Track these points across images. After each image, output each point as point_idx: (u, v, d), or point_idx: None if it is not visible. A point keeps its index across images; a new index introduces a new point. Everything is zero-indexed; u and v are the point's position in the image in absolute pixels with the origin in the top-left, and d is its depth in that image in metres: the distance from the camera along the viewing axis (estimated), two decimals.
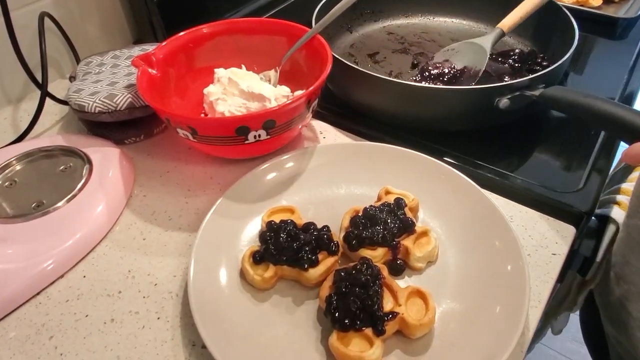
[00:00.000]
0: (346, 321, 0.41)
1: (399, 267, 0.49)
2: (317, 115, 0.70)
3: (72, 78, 0.71)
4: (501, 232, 0.49)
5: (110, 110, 0.62)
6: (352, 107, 0.69)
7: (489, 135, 0.65)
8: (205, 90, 0.64)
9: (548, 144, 0.66)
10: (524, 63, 0.75)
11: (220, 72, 0.64)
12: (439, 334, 0.44)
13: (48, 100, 0.71)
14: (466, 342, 0.42)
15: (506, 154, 0.63)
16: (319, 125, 0.69)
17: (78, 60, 0.79)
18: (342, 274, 0.45)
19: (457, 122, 0.64)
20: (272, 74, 0.68)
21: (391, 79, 0.61)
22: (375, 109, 0.67)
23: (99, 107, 0.61)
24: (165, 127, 0.69)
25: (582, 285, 0.68)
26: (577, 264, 0.62)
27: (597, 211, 0.59)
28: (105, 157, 0.62)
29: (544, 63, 0.74)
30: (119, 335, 0.46)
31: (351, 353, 0.40)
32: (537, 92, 0.57)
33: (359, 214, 0.51)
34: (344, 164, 0.59)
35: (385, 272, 0.46)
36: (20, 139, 0.67)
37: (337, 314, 0.42)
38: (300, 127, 0.61)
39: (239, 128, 0.53)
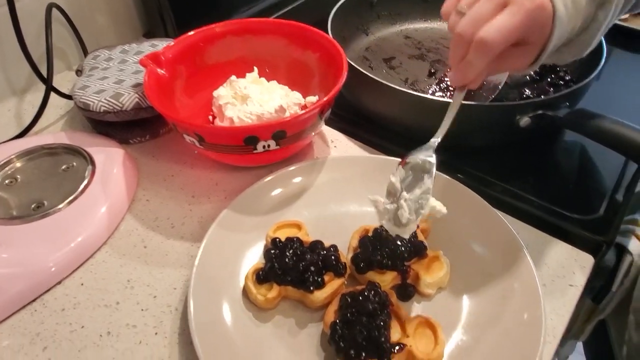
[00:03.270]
0: (351, 352, 0.40)
1: (408, 292, 0.47)
2: (329, 122, 0.67)
3: (78, 72, 0.69)
4: (517, 263, 0.47)
5: (115, 110, 0.60)
6: (365, 115, 0.67)
7: (504, 152, 0.62)
8: (215, 93, 0.62)
9: (567, 164, 0.63)
10: (545, 76, 0.73)
11: (239, 82, 0.62)
12: None
13: (53, 94, 0.70)
14: None
15: (522, 172, 0.61)
16: (330, 133, 0.67)
17: (85, 52, 0.77)
18: (349, 299, 0.43)
19: (474, 138, 0.61)
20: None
21: (407, 90, 0.59)
22: (389, 118, 0.64)
23: (104, 106, 0.59)
24: (172, 128, 0.66)
25: (591, 313, 0.66)
26: (591, 290, 0.60)
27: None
28: (109, 157, 0.60)
29: (567, 77, 0.71)
30: (115, 350, 0.45)
31: None
32: (560, 113, 0.55)
33: (369, 234, 0.49)
34: (356, 179, 0.57)
35: (393, 298, 0.44)
36: (23, 134, 0.65)
37: (342, 344, 0.40)
38: (311, 136, 0.58)
39: (248, 138, 0.51)
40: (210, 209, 0.57)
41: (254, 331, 0.44)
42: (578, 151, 0.65)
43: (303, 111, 0.52)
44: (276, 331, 0.45)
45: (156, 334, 0.46)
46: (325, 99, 0.53)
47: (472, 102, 0.57)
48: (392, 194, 0.46)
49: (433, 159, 0.45)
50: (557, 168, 0.62)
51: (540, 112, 0.56)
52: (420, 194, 0.44)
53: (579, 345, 0.83)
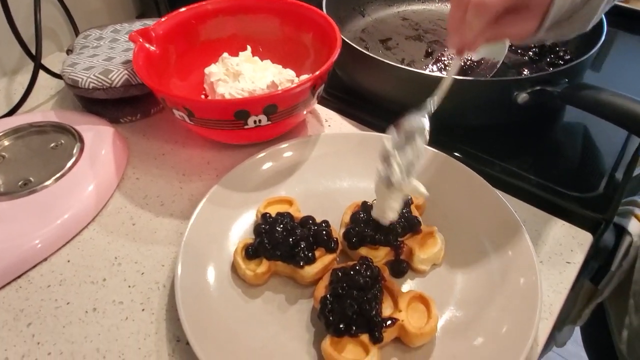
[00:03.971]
0: (341, 326, 0.38)
1: (401, 268, 0.46)
2: (323, 102, 0.66)
3: (69, 51, 0.68)
4: (515, 240, 0.46)
5: (104, 87, 0.59)
6: (360, 94, 0.66)
7: (502, 131, 0.61)
8: (207, 70, 0.61)
9: (565, 144, 0.62)
10: (545, 56, 0.71)
11: (231, 59, 0.61)
12: (441, 344, 0.40)
13: (44, 74, 0.69)
14: (469, 355, 0.39)
15: (520, 152, 0.60)
16: (324, 113, 0.65)
17: (77, 33, 0.76)
18: (340, 273, 0.42)
19: (471, 116, 0.60)
20: None
21: (403, 66, 0.58)
22: (384, 97, 0.63)
23: (93, 82, 0.58)
24: (163, 107, 0.65)
25: (591, 297, 0.64)
26: (589, 271, 0.59)
27: (614, 220, 0.56)
28: (98, 135, 0.59)
29: (566, 57, 0.69)
30: (101, 326, 0.44)
31: None
32: (559, 88, 0.53)
33: (361, 210, 0.47)
34: (349, 155, 0.55)
35: (386, 273, 0.43)
36: (11, 112, 0.64)
37: (331, 318, 0.39)
38: (304, 113, 0.57)
39: (238, 112, 0.50)
40: (201, 187, 0.55)
41: (243, 307, 0.43)
42: (577, 131, 0.63)
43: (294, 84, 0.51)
44: (265, 307, 0.44)
45: (143, 310, 0.45)
46: (317, 72, 0.51)
47: (469, 78, 0.55)
48: (385, 157, 0.45)
49: (426, 120, 0.44)
50: (555, 147, 0.61)
51: (538, 88, 0.55)
52: (411, 156, 0.43)
53: (577, 334, 0.82)
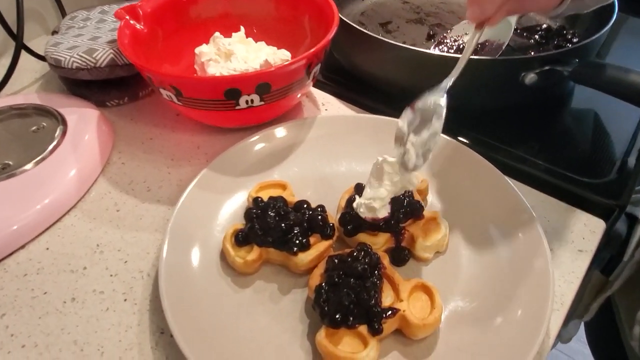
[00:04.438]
0: (337, 316, 0.35)
1: (402, 256, 0.43)
2: (320, 86, 0.63)
3: (54, 33, 0.65)
4: (524, 226, 0.43)
5: (89, 67, 0.55)
6: (359, 77, 0.63)
7: (507, 116, 0.58)
8: (197, 50, 0.58)
9: (574, 128, 0.59)
10: (551, 39, 0.68)
11: (223, 39, 0.57)
12: (445, 336, 0.37)
13: (29, 57, 0.66)
14: (476, 348, 0.36)
15: (526, 137, 0.57)
16: (321, 97, 0.62)
17: (64, 16, 0.73)
18: (336, 260, 0.39)
19: (475, 98, 0.57)
20: None
21: (404, 45, 0.54)
22: (384, 79, 0.60)
23: (77, 62, 0.55)
24: (152, 90, 0.62)
25: (600, 289, 0.61)
26: (600, 261, 0.56)
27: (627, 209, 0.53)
28: (83, 119, 0.56)
29: (574, 40, 0.66)
30: (79, 317, 0.41)
31: (341, 354, 0.34)
32: (569, 67, 0.50)
33: (356, 192, 0.44)
34: (346, 138, 0.52)
35: (386, 261, 0.40)
36: None
37: (327, 308, 0.36)
38: (299, 95, 0.54)
39: (229, 91, 0.47)
40: (190, 172, 0.52)
41: (232, 297, 0.40)
42: (586, 117, 0.61)
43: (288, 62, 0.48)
44: (256, 297, 0.41)
45: (125, 300, 0.42)
46: (312, 50, 0.48)
47: (475, 57, 0.52)
48: (400, 139, 0.42)
49: (443, 100, 0.41)
50: (563, 133, 0.58)
51: (547, 67, 0.52)
52: (427, 137, 0.40)
53: (580, 331, 0.79)
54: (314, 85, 0.63)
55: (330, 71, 0.64)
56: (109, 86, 0.60)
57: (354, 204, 0.42)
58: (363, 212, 0.41)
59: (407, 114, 0.42)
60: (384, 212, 0.41)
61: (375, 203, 0.41)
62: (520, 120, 0.58)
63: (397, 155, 0.42)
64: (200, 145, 0.56)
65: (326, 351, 0.35)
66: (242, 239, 0.42)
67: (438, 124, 0.41)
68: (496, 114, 0.58)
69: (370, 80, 0.62)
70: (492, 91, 0.56)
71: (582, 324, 0.78)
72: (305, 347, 0.37)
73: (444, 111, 0.41)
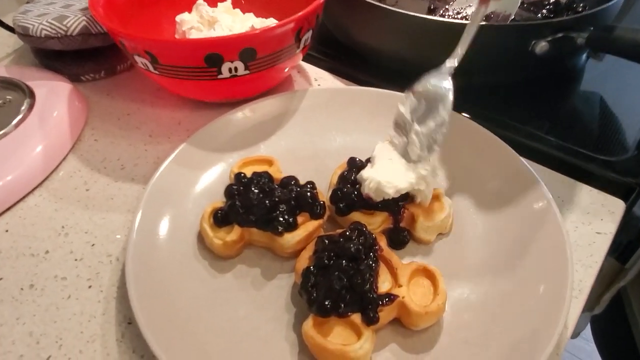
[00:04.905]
0: (327, 303, 0.31)
1: (401, 238, 0.38)
2: (312, 60, 0.59)
3: (28, 2, 0.60)
4: (536, 202, 0.38)
5: (59, 35, 0.51)
6: (354, 50, 0.58)
7: (516, 89, 0.54)
8: (178, 18, 0.53)
9: (588, 100, 0.54)
10: (560, 14, 0.63)
11: (205, 7, 0.53)
12: (449, 326, 0.33)
13: (3, 31, 0.60)
14: (484, 340, 0.32)
15: (538, 112, 0.52)
16: (314, 72, 0.58)
17: None
18: (326, 241, 0.34)
19: (481, 70, 0.52)
20: None
21: (403, 11, 0.50)
22: (381, 51, 0.55)
23: (46, 30, 0.50)
24: (132, 65, 0.58)
25: (614, 278, 0.57)
26: (615, 247, 0.52)
27: None
28: (53, 92, 0.51)
29: (585, 13, 0.62)
30: (37, 306, 0.36)
31: (330, 346, 0.30)
32: (585, 34, 0.46)
33: (350, 167, 0.40)
34: (340, 111, 0.48)
35: (383, 242, 0.36)
36: None
37: (315, 293, 0.31)
38: (288, 68, 0.49)
39: (210, 56, 0.42)
40: (168, 149, 0.47)
41: (209, 283, 0.36)
42: (599, 94, 0.56)
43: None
44: (236, 283, 0.36)
45: (90, 287, 0.37)
46: (301, 12, 0.44)
47: (482, 22, 0.48)
48: (401, 127, 0.38)
49: (448, 84, 0.37)
50: (576, 111, 0.54)
51: (560, 35, 0.47)
52: (434, 127, 0.36)
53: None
54: (306, 60, 0.59)
55: (323, 44, 0.60)
56: (83, 59, 0.55)
57: (362, 173, 0.37)
58: (366, 188, 0.36)
59: (409, 99, 0.38)
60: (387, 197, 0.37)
61: (389, 189, 0.36)
62: (529, 97, 0.54)
63: (399, 143, 0.38)
64: (181, 121, 0.51)
65: (313, 343, 0.30)
66: (221, 218, 0.37)
67: (445, 112, 0.37)
68: (504, 90, 0.53)
69: (367, 53, 0.57)
70: (500, 62, 0.51)
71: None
72: (291, 339, 0.33)
73: (451, 97, 0.37)
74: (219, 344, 0.32)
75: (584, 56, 0.60)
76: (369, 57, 0.57)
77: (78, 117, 0.51)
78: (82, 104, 0.52)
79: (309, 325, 0.31)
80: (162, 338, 0.31)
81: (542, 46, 0.48)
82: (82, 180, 0.46)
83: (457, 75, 0.51)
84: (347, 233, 0.34)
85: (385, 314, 0.32)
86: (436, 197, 0.39)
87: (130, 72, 0.58)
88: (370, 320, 0.31)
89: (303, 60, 0.58)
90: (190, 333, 0.32)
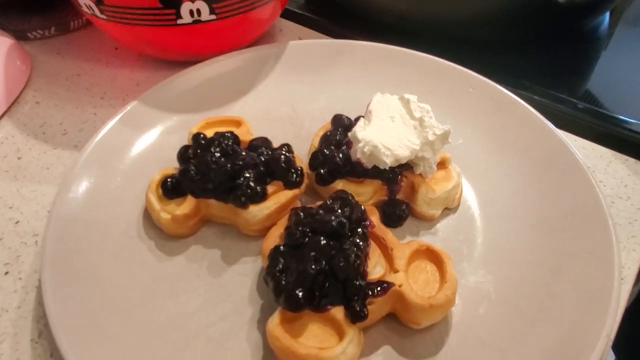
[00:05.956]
0: (298, 292, 0.23)
1: (398, 213, 0.30)
2: (297, 18, 0.51)
3: None
4: (565, 169, 0.31)
5: None
6: (344, 5, 0.51)
7: (535, 47, 0.46)
8: None
9: (618, 58, 0.47)
10: None
11: None
12: (460, 324, 0.25)
13: None
14: (507, 344, 0.24)
15: (560, 71, 0.45)
16: (297, 30, 0.50)
17: None
18: (301, 214, 0.26)
19: (494, 24, 0.45)
20: None
21: None
22: (376, 4, 0.48)
23: None
24: (88, 21, 0.50)
25: None
26: None
27: None
28: None
29: None
30: None
31: (302, 349, 0.22)
32: None
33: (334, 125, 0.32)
34: (325, 67, 0.40)
35: (375, 217, 0.28)
36: None
37: (284, 280, 0.24)
38: (264, 17, 0.42)
39: None
40: None
41: (153, 268, 0.28)
42: (634, 43, 0.49)
43: None
44: (189, 268, 0.28)
45: (7, 273, 0.30)
46: None
47: None
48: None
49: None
50: (606, 64, 0.46)
51: None
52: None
53: None
54: (290, 17, 0.51)
55: (310, 1, 0.52)
56: (30, 13, 0.48)
57: (355, 133, 0.30)
58: (359, 152, 0.29)
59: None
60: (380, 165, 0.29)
61: (388, 157, 0.28)
62: (549, 51, 0.46)
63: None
64: (140, 82, 0.44)
65: (280, 346, 0.23)
66: (171, 186, 0.29)
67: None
68: (519, 45, 0.46)
69: (357, 6, 0.50)
70: (518, 13, 0.43)
71: None
72: (253, 339, 0.25)
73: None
74: (158, 346, 0.24)
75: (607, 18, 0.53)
76: (360, 11, 0.49)
77: (17, 77, 0.43)
78: (23, 62, 0.45)
79: (274, 322, 0.23)
80: (78, 340, 0.23)
81: None
82: (14, 147, 0.38)
83: (463, 32, 0.44)
84: (328, 203, 0.26)
85: (377, 307, 0.24)
86: (442, 164, 0.31)
87: (87, 29, 0.50)
88: (357, 315, 0.23)
89: (287, 18, 0.51)
90: (120, 334, 0.25)
